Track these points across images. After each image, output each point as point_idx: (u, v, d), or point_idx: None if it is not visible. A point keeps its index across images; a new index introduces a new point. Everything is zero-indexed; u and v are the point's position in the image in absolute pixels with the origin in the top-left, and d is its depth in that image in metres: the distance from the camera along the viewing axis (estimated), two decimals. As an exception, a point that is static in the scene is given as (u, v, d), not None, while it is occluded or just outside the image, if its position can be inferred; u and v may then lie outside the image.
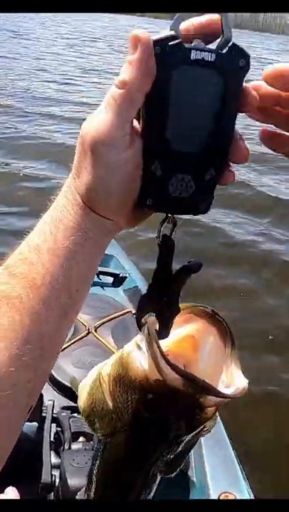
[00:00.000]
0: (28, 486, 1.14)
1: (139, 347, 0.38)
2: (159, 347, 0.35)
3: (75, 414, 1.31)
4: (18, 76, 9.67)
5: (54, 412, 1.31)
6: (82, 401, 0.43)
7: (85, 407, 0.42)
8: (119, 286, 1.98)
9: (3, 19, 21.36)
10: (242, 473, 1.33)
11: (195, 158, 0.36)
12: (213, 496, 1.24)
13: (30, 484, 1.14)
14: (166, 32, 0.33)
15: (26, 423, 1.23)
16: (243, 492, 1.26)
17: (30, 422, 1.27)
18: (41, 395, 1.33)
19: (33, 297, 0.37)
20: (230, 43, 0.33)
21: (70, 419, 1.30)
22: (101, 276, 1.94)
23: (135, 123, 0.37)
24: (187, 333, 0.40)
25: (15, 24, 20.55)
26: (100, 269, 1.91)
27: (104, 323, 1.65)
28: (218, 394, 0.36)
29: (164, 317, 0.39)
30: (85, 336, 1.57)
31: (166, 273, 0.40)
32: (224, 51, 0.33)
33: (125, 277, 2.03)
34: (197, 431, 0.38)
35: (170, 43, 0.32)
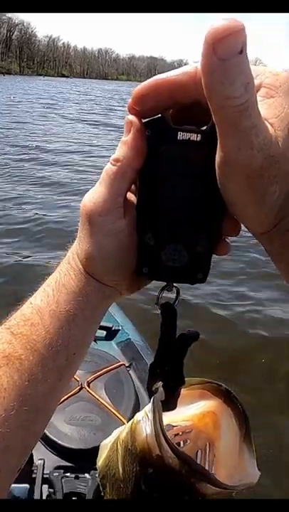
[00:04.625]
0: None
1: (148, 417, 0.38)
2: (161, 425, 0.35)
3: (68, 474, 1.28)
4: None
5: (45, 472, 1.28)
6: (100, 461, 0.42)
7: (101, 469, 0.42)
8: (112, 339, 1.98)
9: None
10: None
11: (184, 229, 0.37)
12: None
13: None
14: (157, 115, 0.36)
15: (16, 485, 1.19)
16: None
17: (20, 483, 1.23)
18: (31, 455, 1.30)
19: (33, 358, 0.39)
20: (210, 122, 0.34)
21: (63, 479, 1.26)
22: (94, 330, 1.94)
23: (131, 196, 0.40)
24: (208, 409, 0.40)
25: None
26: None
27: (96, 377, 1.63)
28: (218, 485, 0.35)
29: (170, 387, 0.39)
30: (78, 392, 1.55)
31: (169, 341, 0.40)
32: (207, 128, 0.35)
33: (118, 330, 2.03)
34: None
35: (159, 126, 0.36)
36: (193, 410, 0.42)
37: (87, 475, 1.27)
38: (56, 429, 1.42)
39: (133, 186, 0.39)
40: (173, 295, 0.41)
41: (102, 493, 0.42)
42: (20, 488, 1.20)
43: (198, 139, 0.35)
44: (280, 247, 0.35)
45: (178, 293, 0.41)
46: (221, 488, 0.35)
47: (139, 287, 0.43)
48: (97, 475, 0.43)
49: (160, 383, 0.39)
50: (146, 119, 0.36)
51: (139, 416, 0.39)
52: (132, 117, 0.36)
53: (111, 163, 0.38)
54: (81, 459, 1.36)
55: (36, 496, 1.19)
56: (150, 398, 0.39)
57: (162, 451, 0.35)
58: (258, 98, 0.30)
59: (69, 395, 1.52)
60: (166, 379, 0.39)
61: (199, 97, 0.32)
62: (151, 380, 0.39)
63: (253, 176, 0.30)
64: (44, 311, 0.40)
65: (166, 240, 0.38)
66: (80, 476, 1.27)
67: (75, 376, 1.60)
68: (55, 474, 1.27)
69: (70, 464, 1.36)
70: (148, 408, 0.38)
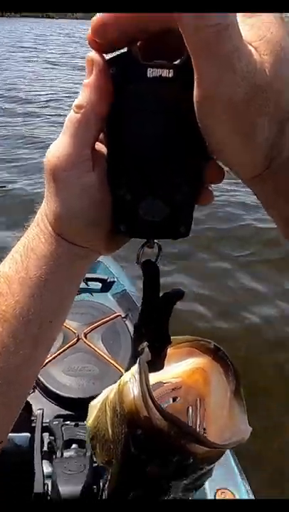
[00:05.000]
0: (21, 498, 1.15)
1: (135, 378, 0.36)
2: (148, 386, 0.34)
3: (68, 422, 1.31)
4: None
5: (45, 420, 1.31)
6: (89, 422, 0.41)
7: (91, 429, 0.41)
8: (107, 291, 1.99)
9: None
10: (238, 468, 1.34)
11: (159, 174, 0.33)
12: (210, 492, 1.24)
13: (23, 495, 1.14)
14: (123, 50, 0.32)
15: (17, 434, 1.22)
16: (240, 487, 1.27)
17: (21, 433, 1.27)
18: (30, 405, 1.33)
19: (3, 330, 0.37)
20: (185, 55, 0.30)
21: (62, 427, 1.30)
22: (89, 283, 1.95)
23: (101, 147, 0.36)
24: (197, 365, 0.39)
25: None
26: (87, 275, 1.90)
27: (93, 329, 1.65)
28: (208, 445, 0.34)
29: (156, 347, 0.38)
30: (75, 343, 1.57)
31: (153, 300, 0.39)
32: (180, 62, 0.31)
33: (113, 282, 2.03)
34: (192, 476, 0.37)
35: (125, 62, 0.31)
36: (182, 367, 0.41)
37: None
38: (55, 380, 1.45)
39: (102, 135, 0.35)
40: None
41: (93, 453, 0.42)
42: (21, 437, 1.24)
43: (171, 75, 0.31)
44: (272, 190, 0.32)
45: (160, 249, 0.38)
46: (211, 447, 0.35)
47: (118, 246, 0.40)
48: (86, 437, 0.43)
49: (145, 343, 0.37)
50: (111, 56, 0.32)
51: (126, 377, 0.37)
52: (93, 54, 0.31)
53: (74, 110, 0.33)
54: (80, 408, 1.39)
55: (37, 444, 1.22)
56: (136, 359, 0.37)
57: (150, 412, 0.34)
58: (238, 19, 0.26)
59: (66, 346, 1.55)
60: (152, 339, 0.38)
61: (170, 22, 0.27)
62: (136, 340, 0.38)
63: (237, 109, 0.27)
64: (13, 279, 0.37)
65: (142, 193, 0.34)
66: (80, 423, 1.30)
67: (72, 328, 1.61)
68: (55, 423, 1.31)
69: (69, 413, 1.40)
70: (135, 369, 0.37)
